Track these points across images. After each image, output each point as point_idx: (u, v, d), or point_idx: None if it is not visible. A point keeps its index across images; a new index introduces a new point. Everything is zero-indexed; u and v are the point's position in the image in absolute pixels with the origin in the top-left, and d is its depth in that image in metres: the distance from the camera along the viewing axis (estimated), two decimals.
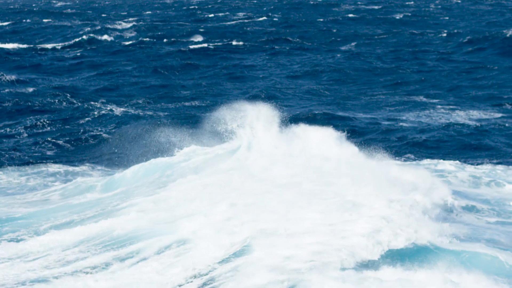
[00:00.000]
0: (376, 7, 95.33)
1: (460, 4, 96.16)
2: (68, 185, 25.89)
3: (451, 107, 37.55)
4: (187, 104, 40.40)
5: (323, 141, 26.92)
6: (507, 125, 33.71)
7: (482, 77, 45.19)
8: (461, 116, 35.60)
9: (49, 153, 32.42)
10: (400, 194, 22.54)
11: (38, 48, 63.00)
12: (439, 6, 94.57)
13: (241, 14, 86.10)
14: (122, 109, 39.16)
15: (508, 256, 17.33)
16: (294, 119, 30.93)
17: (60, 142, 33.71)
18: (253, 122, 27.98)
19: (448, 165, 27.27)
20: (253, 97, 39.91)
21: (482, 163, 28.31)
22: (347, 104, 37.18)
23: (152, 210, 21.78)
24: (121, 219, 21.09)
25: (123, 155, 32.19)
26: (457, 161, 28.16)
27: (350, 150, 26.34)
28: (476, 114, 35.72)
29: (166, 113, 37.89)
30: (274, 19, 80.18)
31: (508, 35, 55.67)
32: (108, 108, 39.11)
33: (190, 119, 34.75)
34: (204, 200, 22.22)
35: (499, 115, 35.61)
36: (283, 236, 19.05)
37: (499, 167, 27.86)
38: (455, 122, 34.48)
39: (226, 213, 20.69)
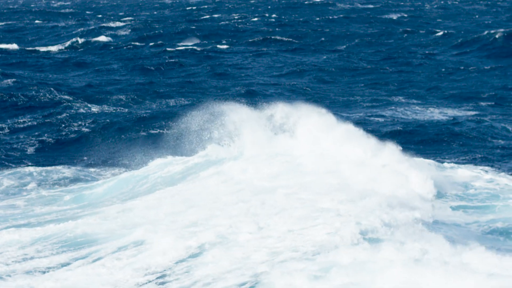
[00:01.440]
0: (371, 6, 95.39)
1: (455, 4, 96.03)
2: (33, 195, 25.81)
3: (426, 105, 37.75)
4: (171, 103, 40.38)
5: (312, 129, 26.60)
6: (478, 119, 34.12)
7: (462, 78, 45.30)
8: (434, 113, 35.89)
9: (28, 151, 32.44)
10: (373, 191, 22.56)
11: (29, 47, 63.14)
12: (435, 6, 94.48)
13: (236, 14, 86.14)
14: (104, 107, 39.17)
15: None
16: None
17: (40, 140, 33.71)
18: (235, 124, 27.77)
19: (418, 156, 27.25)
20: (236, 96, 39.96)
21: (450, 154, 28.62)
22: (325, 102, 37.27)
23: (115, 216, 21.75)
24: (81, 222, 21.10)
25: (100, 155, 32.24)
26: (427, 153, 28.37)
27: (339, 133, 26.01)
28: (450, 111, 36.04)
29: (148, 111, 37.88)
30: (268, 19, 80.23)
31: (497, 37, 55.62)
32: (90, 107, 39.13)
33: (171, 120, 34.66)
34: (172, 207, 22.15)
35: (473, 113, 35.92)
36: (243, 241, 19.06)
37: (465, 157, 28.61)
38: (428, 119, 34.83)
39: (190, 220, 20.67)
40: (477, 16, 79.17)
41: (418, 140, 30.77)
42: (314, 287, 16.31)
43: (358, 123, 32.75)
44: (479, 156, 28.98)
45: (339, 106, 36.45)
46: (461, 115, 35.38)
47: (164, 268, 17.88)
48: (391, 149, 24.83)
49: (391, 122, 33.48)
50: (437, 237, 18.22)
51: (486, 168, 25.74)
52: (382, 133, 31.61)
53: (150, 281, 17.44)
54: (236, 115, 27.67)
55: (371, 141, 25.37)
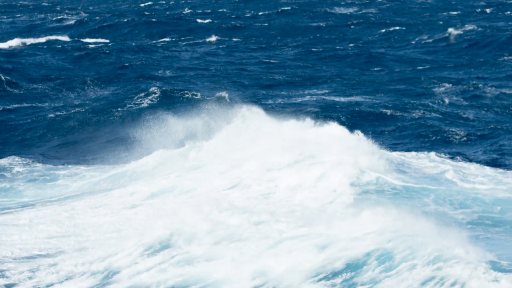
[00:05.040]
0: None
1: None
2: None
3: (334, 94, 38.75)
4: (91, 95, 40.43)
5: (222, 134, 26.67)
6: (379, 105, 35.72)
7: (380, 72, 45.90)
8: (340, 100, 36.97)
9: None
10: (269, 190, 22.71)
11: None
12: (389, 0, 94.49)
13: (188, 9, 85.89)
14: (20, 97, 39.29)
15: None
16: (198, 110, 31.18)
17: None
18: (150, 131, 27.82)
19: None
20: (153, 97, 40.08)
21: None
22: (236, 93, 37.61)
23: None
24: None
25: (9, 149, 32.37)
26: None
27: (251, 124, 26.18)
28: (353, 98, 36.86)
29: (60, 104, 37.92)
30: (218, 14, 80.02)
31: (433, 40, 56.59)
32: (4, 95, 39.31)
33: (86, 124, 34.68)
34: (43, 214, 22.51)
35: (378, 101, 37.02)
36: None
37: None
38: (332, 102, 35.90)
39: (52, 228, 21.25)
40: (427, 14, 79.28)
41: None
42: (157, 276, 16.97)
43: None
44: (373, 131, 31.24)
45: (247, 97, 36.76)
46: (362, 100, 36.36)
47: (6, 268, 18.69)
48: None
49: (291, 108, 33.99)
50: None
51: (378, 141, 26.80)
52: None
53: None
54: (154, 123, 27.84)
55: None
